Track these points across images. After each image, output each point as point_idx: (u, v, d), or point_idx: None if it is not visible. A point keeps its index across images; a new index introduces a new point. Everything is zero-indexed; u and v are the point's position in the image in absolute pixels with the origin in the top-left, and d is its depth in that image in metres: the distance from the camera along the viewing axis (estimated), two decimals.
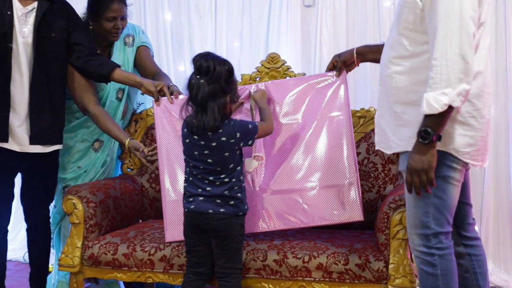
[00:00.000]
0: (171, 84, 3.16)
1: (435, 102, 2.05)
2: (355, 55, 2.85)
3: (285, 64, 3.37)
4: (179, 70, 4.11)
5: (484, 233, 3.72)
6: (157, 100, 3.06)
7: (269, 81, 3.11)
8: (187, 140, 2.69)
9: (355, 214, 2.87)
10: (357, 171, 2.90)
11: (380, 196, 3.20)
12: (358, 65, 2.90)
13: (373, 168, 3.23)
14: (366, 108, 3.31)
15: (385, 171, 3.22)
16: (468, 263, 2.47)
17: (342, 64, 2.89)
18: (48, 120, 3.09)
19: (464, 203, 2.44)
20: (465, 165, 2.23)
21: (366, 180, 3.22)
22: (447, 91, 2.05)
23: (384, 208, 2.72)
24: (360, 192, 2.88)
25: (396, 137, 2.29)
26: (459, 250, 2.46)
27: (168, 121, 3.04)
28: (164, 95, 3.06)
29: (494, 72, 3.64)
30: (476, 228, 3.62)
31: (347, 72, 2.94)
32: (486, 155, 2.30)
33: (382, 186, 3.21)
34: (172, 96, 3.04)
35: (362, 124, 3.28)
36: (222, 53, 3.99)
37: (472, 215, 2.53)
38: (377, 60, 2.48)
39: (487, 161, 2.33)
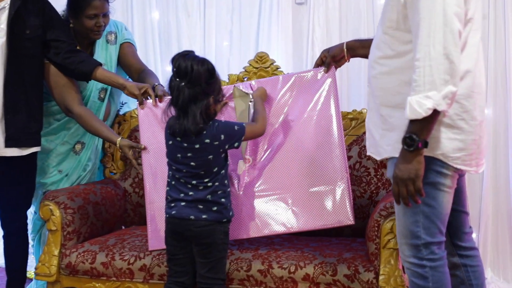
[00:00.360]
0: (157, 84, 3.06)
1: (418, 106, 1.92)
2: (345, 49, 2.72)
3: (274, 64, 3.28)
4: (167, 70, 3.99)
5: (482, 240, 3.61)
6: (141, 103, 2.97)
7: (255, 80, 2.98)
8: (170, 142, 2.59)
9: (345, 217, 2.71)
10: (347, 171, 2.75)
11: (372, 202, 3.07)
12: (349, 60, 2.77)
13: (365, 173, 3.10)
14: (358, 109, 3.18)
15: (378, 176, 3.09)
16: (464, 274, 2.34)
17: (331, 59, 2.77)
18: (24, 120, 2.98)
19: (459, 211, 2.32)
20: (457, 170, 2.10)
21: (358, 185, 3.09)
22: (431, 94, 1.92)
23: (375, 215, 2.60)
24: (350, 194, 2.73)
25: (383, 142, 2.16)
26: (454, 260, 2.33)
27: (153, 124, 2.93)
28: (148, 98, 2.96)
29: (492, 71, 3.54)
30: (474, 235, 3.52)
31: (336, 68, 2.81)
32: (481, 159, 2.17)
33: (374, 191, 3.08)
34: (157, 99, 2.95)
35: (354, 127, 3.16)
36: (211, 52, 3.93)
37: (469, 224, 2.40)
38: (368, 56, 2.34)
39: (482, 166, 2.20)
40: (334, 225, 2.73)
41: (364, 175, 3.11)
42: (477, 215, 3.61)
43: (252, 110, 2.77)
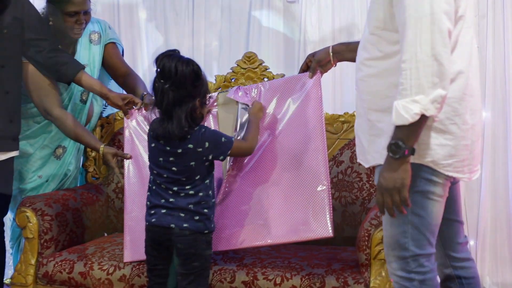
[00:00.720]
0: (145, 93, 2.99)
1: (404, 111, 1.80)
2: (331, 54, 2.60)
3: (263, 64, 3.17)
4: (153, 71, 3.87)
5: (480, 248, 3.49)
6: (126, 114, 2.93)
7: (238, 86, 2.84)
8: (153, 145, 2.48)
9: (324, 230, 2.53)
10: (329, 181, 2.60)
11: (364, 209, 2.96)
12: (335, 65, 2.64)
13: (357, 178, 2.99)
14: (350, 112, 3.06)
15: (370, 182, 2.97)
16: (458, 287, 2.22)
17: (316, 64, 2.64)
18: (2, 124, 2.85)
19: (453, 220, 2.19)
20: (449, 178, 1.98)
21: (350, 191, 2.97)
22: (418, 98, 1.79)
23: (365, 224, 2.49)
24: (330, 204, 2.56)
25: (371, 148, 2.04)
26: (448, 272, 2.21)
27: (137, 134, 2.88)
28: (132, 108, 2.93)
29: (491, 72, 3.43)
30: (472, 242, 3.40)
31: (322, 73, 2.67)
32: (475, 165, 2.04)
33: (366, 198, 2.97)
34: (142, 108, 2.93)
35: (346, 130, 3.05)
36: (200, 52, 3.81)
37: (464, 233, 2.27)
38: (355, 60, 2.23)
39: (476, 173, 2.07)
40: (312, 237, 2.56)
41: (356, 180, 2.99)
42: (475, 222, 3.50)
43: (239, 119, 2.68)
